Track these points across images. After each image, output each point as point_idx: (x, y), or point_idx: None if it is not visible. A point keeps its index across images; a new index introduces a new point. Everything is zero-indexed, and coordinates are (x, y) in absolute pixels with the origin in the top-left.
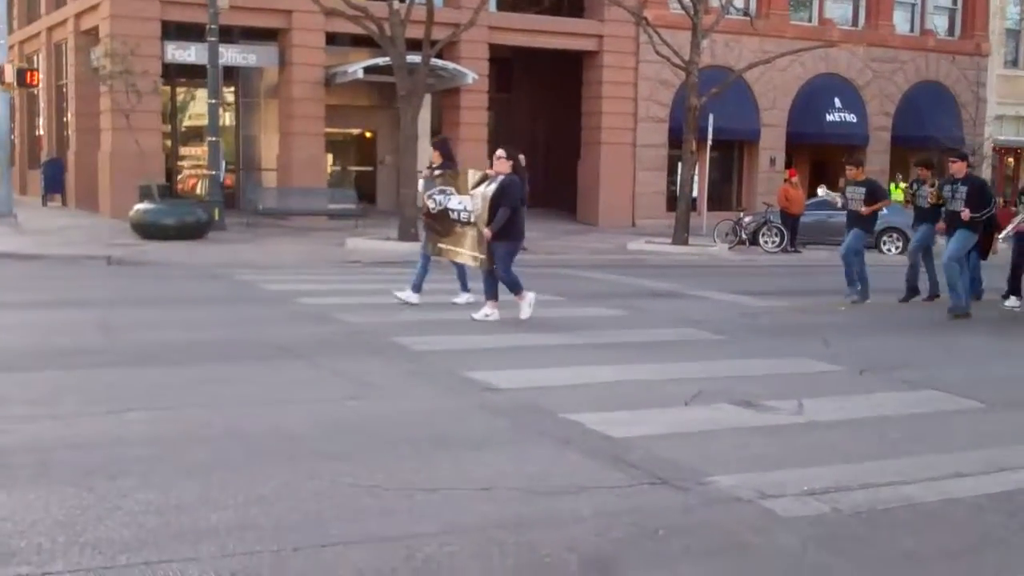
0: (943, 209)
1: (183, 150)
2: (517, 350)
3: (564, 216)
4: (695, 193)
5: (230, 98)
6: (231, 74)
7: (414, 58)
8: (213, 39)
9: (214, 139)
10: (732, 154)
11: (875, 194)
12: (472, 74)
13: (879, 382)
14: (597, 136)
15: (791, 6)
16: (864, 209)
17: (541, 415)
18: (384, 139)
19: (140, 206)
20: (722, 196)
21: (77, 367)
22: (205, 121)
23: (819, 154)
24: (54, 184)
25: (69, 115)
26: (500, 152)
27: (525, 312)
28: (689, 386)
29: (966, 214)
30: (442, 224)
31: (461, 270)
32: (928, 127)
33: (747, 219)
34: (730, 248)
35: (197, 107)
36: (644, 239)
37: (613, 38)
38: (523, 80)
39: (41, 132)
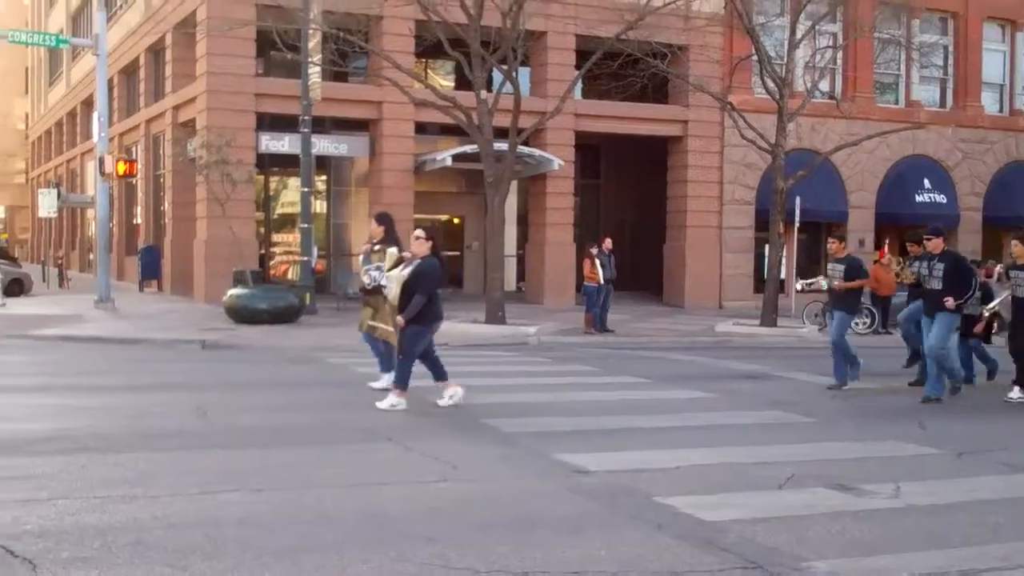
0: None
1: (276, 237)
2: (607, 433)
3: (650, 298)
4: (783, 275)
5: (321, 186)
6: (323, 163)
7: (501, 145)
8: (306, 130)
9: (306, 226)
10: (820, 236)
11: (854, 272)
12: (558, 161)
13: (978, 465)
14: (683, 219)
15: (877, 89)
16: (836, 284)
17: (632, 498)
18: (471, 224)
19: (234, 291)
20: (810, 277)
21: (173, 449)
22: (297, 208)
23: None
24: (150, 270)
25: (166, 204)
26: (418, 232)
27: (386, 403)
28: (781, 469)
29: (950, 303)
30: (375, 301)
31: (389, 350)
32: (1019, 207)
33: None
34: (820, 330)
35: (290, 195)
36: (732, 321)
37: (698, 123)
38: (609, 165)
39: (138, 220)
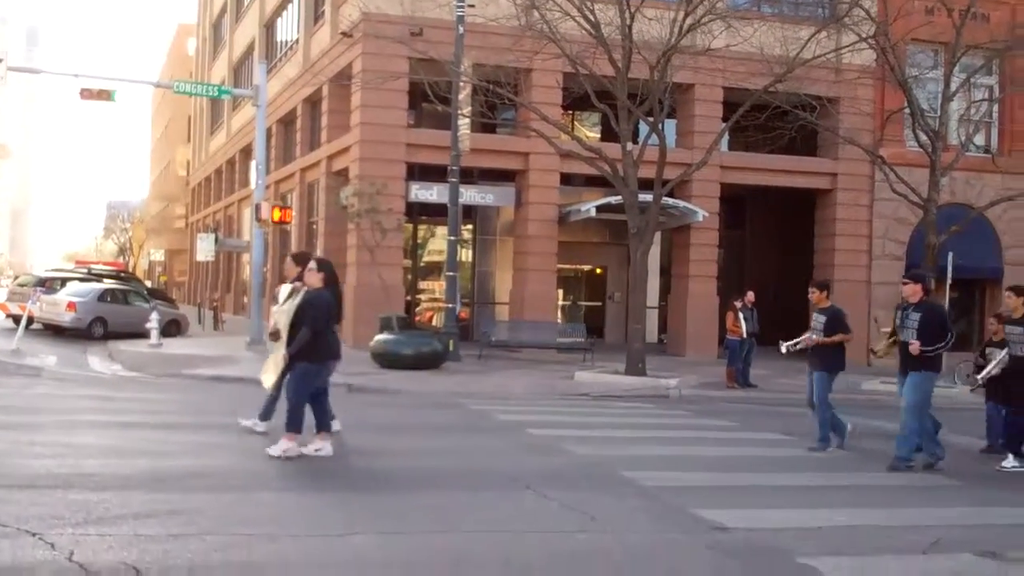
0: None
1: (422, 284)
2: (747, 489)
3: (795, 353)
4: None
5: (467, 235)
6: (469, 212)
7: (646, 197)
8: (454, 180)
9: (452, 274)
10: (973, 293)
11: (835, 324)
12: (703, 212)
13: None
14: (830, 273)
15: None
16: (813, 338)
17: (772, 557)
18: (614, 275)
19: (380, 336)
20: (962, 336)
21: (318, 490)
22: (443, 256)
23: None
24: None
25: (318, 250)
26: (311, 263)
27: (276, 450)
28: (926, 533)
29: (915, 347)
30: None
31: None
32: None
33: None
34: (972, 390)
35: (436, 243)
36: (879, 379)
37: (848, 176)
38: (754, 217)
39: None
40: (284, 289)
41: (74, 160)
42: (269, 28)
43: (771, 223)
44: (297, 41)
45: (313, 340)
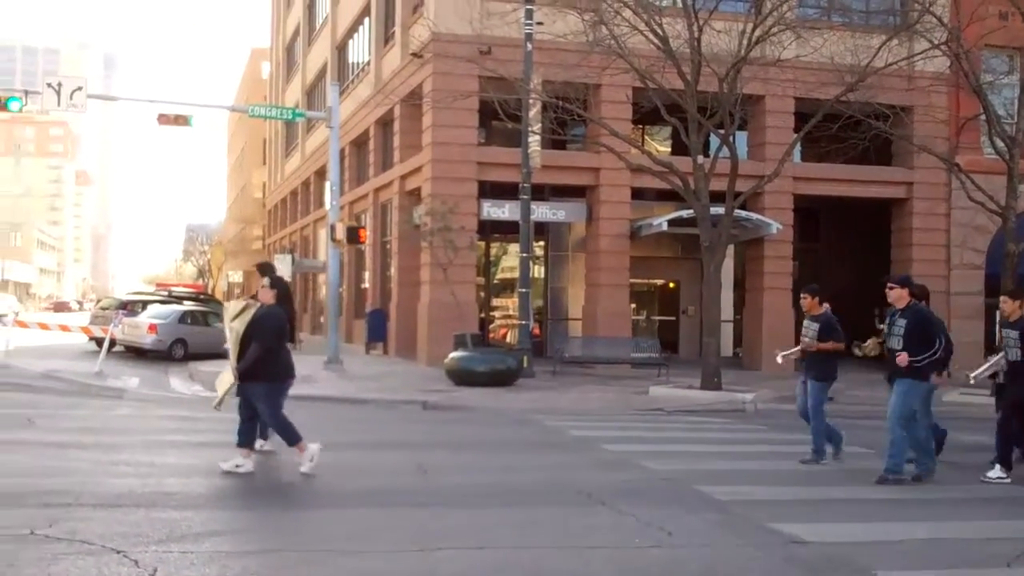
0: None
1: (495, 301)
2: (825, 503)
3: (872, 366)
4: None
5: (539, 251)
6: (541, 229)
7: (718, 210)
8: (526, 197)
9: (525, 291)
10: None
11: (828, 331)
12: (776, 224)
13: None
14: None
15: None
16: (806, 343)
17: (851, 572)
18: (687, 289)
19: (455, 354)
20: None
21: (394, 505)
22: (516, 273)
23: None
24: (377, 333)
25: (392, 269)
26: (264, 280)
27: (306, 465)
28: (1010, 546)
29: (903, 359)
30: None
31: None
32: None
33: None
34: (962, 391)
35: (509, 260)
36: (959, 390)
37: (923, 185)
38: (829, 228)
39: (366, 285)
40: (233, 305)
41: (153, 185)
42: (341, 50)
43: (846, 234)
44: (368, 63)
45: (270, 358)
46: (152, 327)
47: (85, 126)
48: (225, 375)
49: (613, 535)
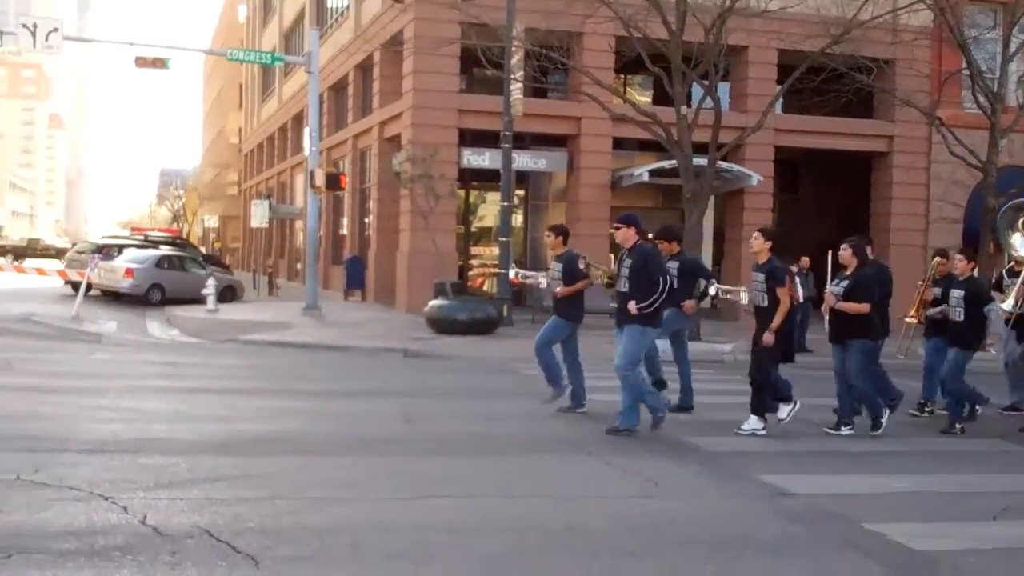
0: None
1: (474, 250)
2: (812, 455)
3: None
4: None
5: (519, 200)
6: (521, 178)
7: (700, 161)
8: (507, 145)
9: (505, 240)
10: None
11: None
12: (757, 176)
13: None
14: (886, 238)
15: None
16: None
17: (838, 523)
18: None
19: (435, 302)
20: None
21: (383, 453)
22: (496, 222)
23: None
24: (355, 280)
25: (371, 216)
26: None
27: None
28: (996, 500)
29: (632, 307)
30: None
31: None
32: None
33: None
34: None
35: (489, 209)
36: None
37: (905, 139)
38: (809, 181)
39: (344, 232)
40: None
41: (127, 129)
42: None
43: (826, 187)
44: (348, 7)
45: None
46: (129, 271)
47: (58, 68)
48: None
49: (601, 485)
